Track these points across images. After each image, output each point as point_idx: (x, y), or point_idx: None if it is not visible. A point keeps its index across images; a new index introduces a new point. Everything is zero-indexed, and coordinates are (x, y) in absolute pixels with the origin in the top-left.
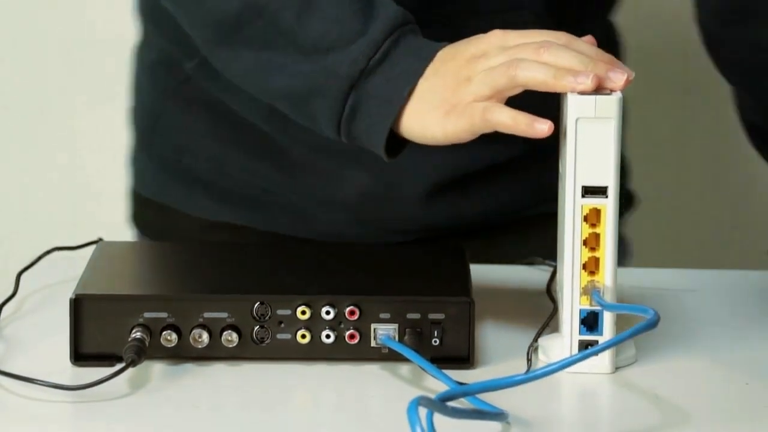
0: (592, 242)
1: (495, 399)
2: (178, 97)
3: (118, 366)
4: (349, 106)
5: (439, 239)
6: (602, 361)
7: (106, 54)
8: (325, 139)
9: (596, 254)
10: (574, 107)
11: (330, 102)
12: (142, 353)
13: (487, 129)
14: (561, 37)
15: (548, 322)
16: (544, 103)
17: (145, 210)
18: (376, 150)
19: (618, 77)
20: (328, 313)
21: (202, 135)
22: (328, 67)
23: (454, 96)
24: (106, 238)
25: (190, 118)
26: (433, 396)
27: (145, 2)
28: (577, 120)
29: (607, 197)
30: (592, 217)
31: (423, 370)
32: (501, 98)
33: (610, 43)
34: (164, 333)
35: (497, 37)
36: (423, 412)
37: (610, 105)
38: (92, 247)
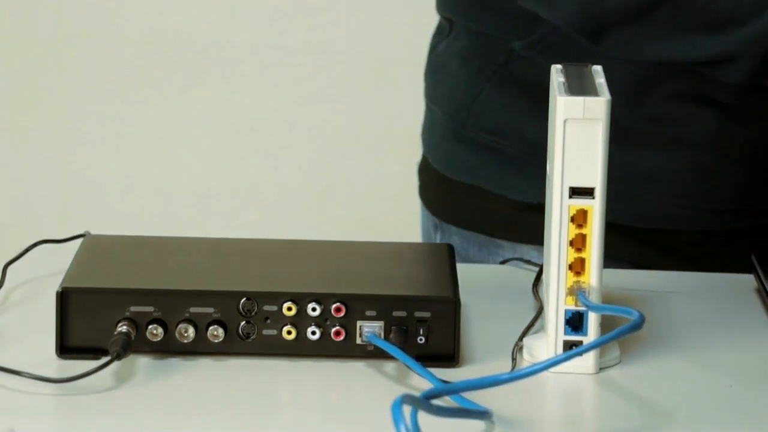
0: (578, 243)
1: (479, 397)
2: (497, 79)
3: (104, 359)
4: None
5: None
6: (586, 361)
7: (95, 52)
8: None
9: (582, 255)
10: (563, 108)
11: (751, 64)
12: (127, 347)
13: None
14: None
15: (534, 322)
16: None
17: (451, 192)
18: None
19: None
20: (314, 309)
21: (521, 115)
22: (747, 36)
23: None
24: (93, 231)
25: (510, 99)
26: (417, 394)
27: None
28: (565, 121)
29: (594, 198)
30: (579, 218)
31: (408, 368)
32: None
33: None
34: (150, 327)
35: None
36: (407, 410)
37: (598, 106)
38: (79, 241)
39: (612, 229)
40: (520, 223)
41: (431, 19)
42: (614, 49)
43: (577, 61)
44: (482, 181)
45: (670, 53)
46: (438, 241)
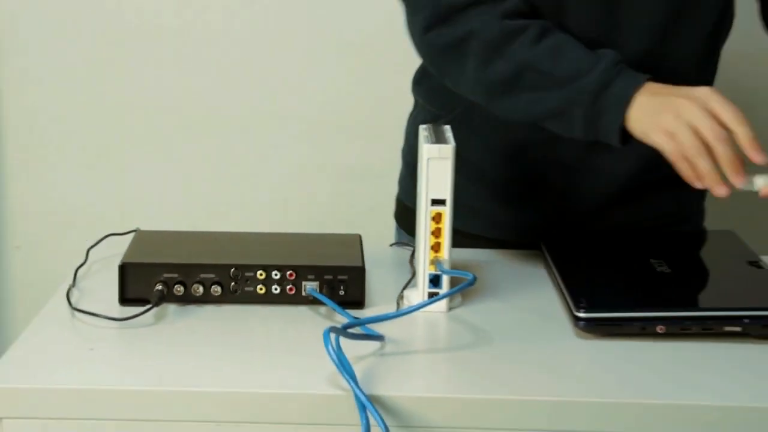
0: (436, 233)
1: (377, 327)
2: None
3: (147, 306)
4: (596, 110)
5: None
6: (441, 305)
7: (150, 113)
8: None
9: (439, 240)
10: (426, 151)
11: (585, 110)
12: (162, 299)
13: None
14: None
15: (410, 281)
16: None
17: (407, 214)
18: (612, 141)
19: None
20: (276, 275)
21: None
22: (580, 88)
23: (667, 129)
24: (142, 228)
25: None
26: (339, 326)
27: (421, 86)
28: (428, 159)
29: (445, 206)
30: (437, 218)
31: (334, 310)
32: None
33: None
34: (176, 286)
35: (699, 103)
36: (333, 336)
37: (447, 150)
38: (132, 234)
39: (463, 234)
40: None
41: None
42: (497, 110)
43: (476, 130)
44: None
45: (520, 114)
46: (396, 237)
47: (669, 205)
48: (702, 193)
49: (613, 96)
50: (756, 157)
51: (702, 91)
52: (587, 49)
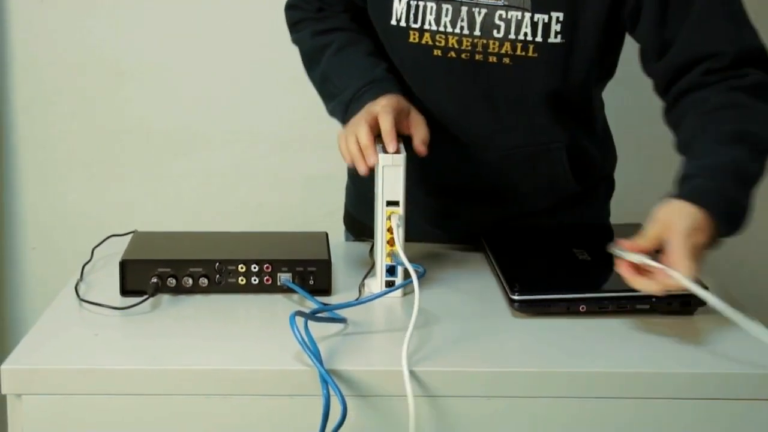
0: (391, 230)
1: (341, 312)
2: None
3: (145, 296)
4: (349, 111)
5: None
6: (397, 292)
7: (145, 134)
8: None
9: (393, 236)
10: (382, 159)
11: (343, 107)
12: (157, 290)
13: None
14: None
15: (370, 271)
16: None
17: (351, 219)
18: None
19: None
20: (255, 268)
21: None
22: (341, 99)
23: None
24: (139, 230)
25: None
26: (304, 311)
27: None
28: (383, 166)
29: (399, 206)
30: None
31: (305, 297)
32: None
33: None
34: (168, 279)
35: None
36: (298, 319)
37: (399, 159)
38: (131, 235)
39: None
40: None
41: None
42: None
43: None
44: (363, 216)
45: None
46: (345, 238)
47: (576, 217)
48: (602, 209)
49: (357, 106)
50: (390, 147)
51: (377, 105)
52: (369, 61)
